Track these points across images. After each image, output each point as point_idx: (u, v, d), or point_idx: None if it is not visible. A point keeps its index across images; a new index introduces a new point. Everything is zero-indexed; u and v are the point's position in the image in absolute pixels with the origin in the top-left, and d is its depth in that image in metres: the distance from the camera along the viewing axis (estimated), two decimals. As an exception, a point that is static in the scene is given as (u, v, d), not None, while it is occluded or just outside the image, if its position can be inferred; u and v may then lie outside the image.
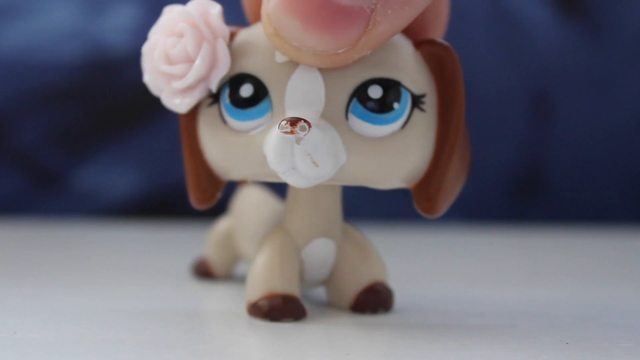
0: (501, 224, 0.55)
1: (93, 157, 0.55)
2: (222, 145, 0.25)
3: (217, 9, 0.25)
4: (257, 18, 0.26)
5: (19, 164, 0.55)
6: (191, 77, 0.24)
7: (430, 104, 0.25)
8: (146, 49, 0.25)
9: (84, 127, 0.55)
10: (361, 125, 0.24)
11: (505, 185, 0.57)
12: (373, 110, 0.24)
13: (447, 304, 0.29)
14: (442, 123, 0.25)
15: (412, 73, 0.25)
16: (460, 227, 0.55)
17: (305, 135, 0.23)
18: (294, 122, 0.23)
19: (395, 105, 0.24)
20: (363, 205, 0.54)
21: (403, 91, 0.24)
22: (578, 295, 0.32)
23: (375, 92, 0.24)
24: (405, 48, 0.25)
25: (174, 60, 0.25)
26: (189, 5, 0.25)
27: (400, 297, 0.27)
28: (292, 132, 0.23)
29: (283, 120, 0.23)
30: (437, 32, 0.27)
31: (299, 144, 0.23)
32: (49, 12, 0.55)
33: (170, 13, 0.25)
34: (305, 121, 0.23)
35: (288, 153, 0.23)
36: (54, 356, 0.22)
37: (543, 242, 0.50)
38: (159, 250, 0.44)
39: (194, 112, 0.26)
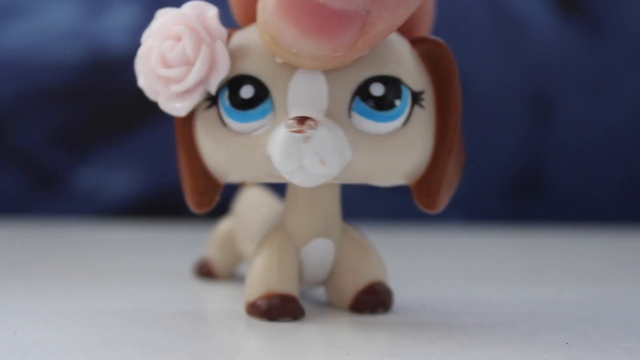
0: (501, 224, 0.55)
1: (93, 157, 0.55)
2: (223, 147, 0.25)
3: (213, 10, 0.25)
4: (247, 22, 0.26)
5: (19, 164, 0.55)
6: (191, 80, 0.24)
7: (429, 100, 0.25)
8: (142, 52, 0.25)
9: (84, 127, 0.55)
10: (364, 123, 0.24)
11: (505, 185, 0.57)
12: (375, 108, 0.24)
13: (447, 304, 0.29)
14: (440, 119, 0.25)
15: (411, 70, 0.25)
16: (460, 227, 0.55)
17: (313, 133, 0.23)
18: (301, 120, 0.23)
19: (397, 102, 0.24)
20: (363, 205, 0.54)
21: (403, 88, 0.24)
22: (578, 295, 0.32)
23: (377, 89, 0.24)
24: (402, 46, 0.25)
25: (172, 64, 0.24)
26: (184, 7, 0.25)
27: (399, 297, 0.27)
28: (300, 131, 0.23)
29: (290, 119, 0.23)
30: (425, 29, 0.27)
31: (307, 142, 0.23)
32: (49, 12, 0.55)
33: (165, 16, 0.25)
34: (312, 119, 0.23)
35: (296, 152, 0.23)
36: (54, 356, 0.22)
37: (543, 242, 0.50)
38: (160, 251, 0.44)
39: (189, 116, 0.25)
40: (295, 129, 0.23)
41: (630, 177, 0.57)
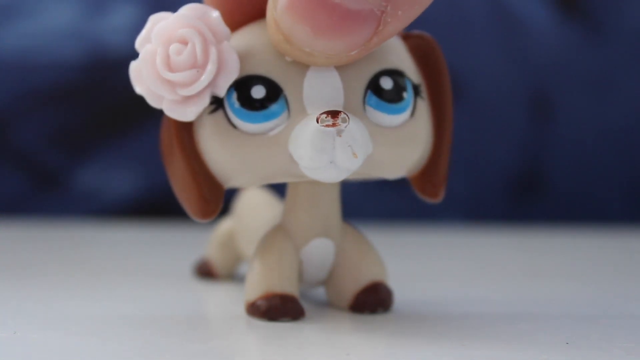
0: (501, 224, 0.55)
1: (93, 157, 0.55)
2: (236, 150, 0.24)
3: (216, 12, 0.24)
4: (231, 25, 0.25)
5: (19, 164, 0.55)
6: (203, 83, 0.24)
7: (424, 93, 0.26)
8: (142, 58, 0.24)
9: (84, 127, 0.55)
10: (378, 116, 0.24)
11: (505, 185, 0.57)
12: (387, 100, 0.24)
13: (447, 304, 0.29)
14: (435, 111, 0.26)
15: (409, 64, 0.26)
16: (460, 227, 0.55)
17: (346, 126, 0.23)
18: (334, 114, 0.23)
19: (404, 94, 0.25)
20: (363, 205, 0.54)
21: (407, 81, 0.25)
22: (578, 295, 0.32)
23: (386, 83, 0.25)
24: (399, 41, 0.26)
25: (180, 67, 0.24)
26: (185, 10, 0.24)
27: (399, 297, 0.27)
28: (334, 125, 0.23)
29: (322, 113, 0.23)
30: None
31: (340, 136, 0.23)
32: (49, 12, 0.55)
33: (164, 20, 0.24)
34: (345, 113, 0.23)
35: (328, 146, 0.23)
36: (54, 357, 0.22)
37: (543, 242, 0.50)
38: (160, 251, 0.44)
39: (188, 122, 0.25)
40: (328, 123, 0.23)
41: (630, 177, 0.57)
